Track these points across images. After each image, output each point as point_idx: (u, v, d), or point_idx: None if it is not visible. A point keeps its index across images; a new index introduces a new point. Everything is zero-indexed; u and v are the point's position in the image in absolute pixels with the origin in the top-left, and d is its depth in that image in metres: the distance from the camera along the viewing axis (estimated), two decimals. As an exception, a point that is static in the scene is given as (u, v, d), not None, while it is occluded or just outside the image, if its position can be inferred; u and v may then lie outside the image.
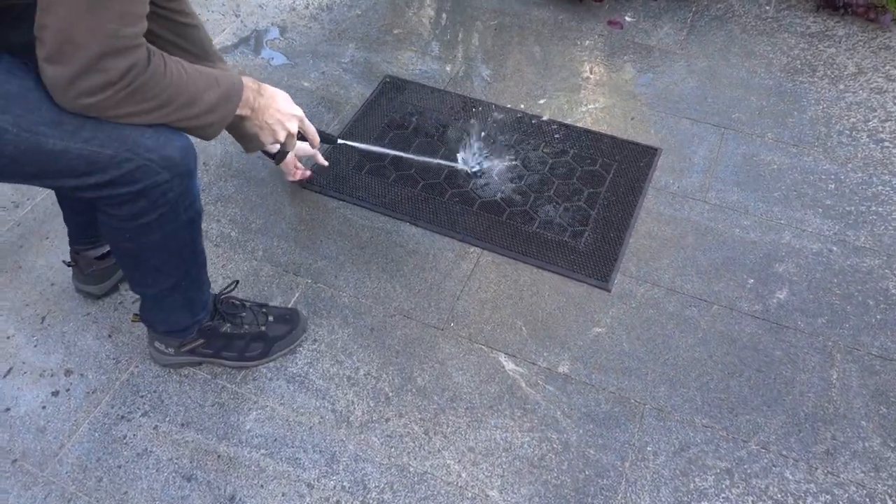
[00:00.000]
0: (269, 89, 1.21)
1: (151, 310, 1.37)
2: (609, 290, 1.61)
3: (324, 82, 2.16)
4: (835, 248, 1.69)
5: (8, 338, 1.55)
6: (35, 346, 1.53)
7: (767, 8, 2.44)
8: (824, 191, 1.82)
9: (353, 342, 1.53)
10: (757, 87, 2.14)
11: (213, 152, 1.94)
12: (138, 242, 1.18)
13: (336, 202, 1.81)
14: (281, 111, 1.23)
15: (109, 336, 1.55)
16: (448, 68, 2.22)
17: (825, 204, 1.79)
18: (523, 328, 1.55)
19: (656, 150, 1.93)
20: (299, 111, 1.29)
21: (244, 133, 1.23)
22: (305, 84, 2.15)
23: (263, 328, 1.46)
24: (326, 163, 1.64)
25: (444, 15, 2.46)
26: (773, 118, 2.03)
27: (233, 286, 1.48)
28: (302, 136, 1.39)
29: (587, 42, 2.32)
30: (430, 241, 1.72)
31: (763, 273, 1.64)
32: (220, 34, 2.35)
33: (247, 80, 1.15)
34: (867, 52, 2.25)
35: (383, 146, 1.85)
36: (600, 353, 1.51)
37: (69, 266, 1.55)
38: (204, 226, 1.72)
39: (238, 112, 1.13)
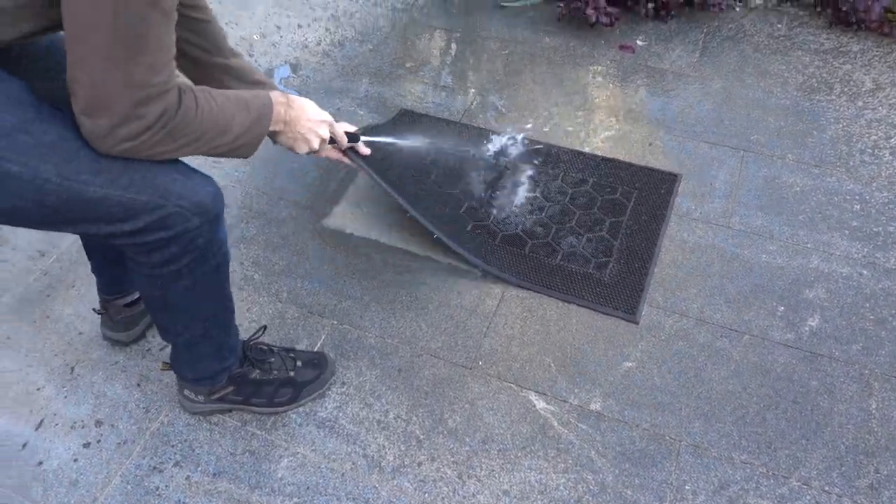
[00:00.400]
0: (297, 100, 1.23)
1: (182, 357, 1.37)
2: (637, 323, 1.60)
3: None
4: (865, 272, 1.67)
5: (38, 389, 1.55)
6: (65, 396, 1.53)
7: (779, 26, 2.43)
8: (850, 212, 1.80)
9: (381, 384, 1.52)
10: (774, 107, 2.13)
11: (233, 194, 1.95)
12: (168, 289, 1.19)
13: (358, 240, 1.81)
14: (312, 119, 1.25)
15: (138, 385, 1.55)
16: (462, 99, 2.23)
17: (852, 225, 1.77)
18: (552, 365, 1.54)
19: (676, 175, 1.92)
20: (328, 115, 1.31)
21: (279, 144, 1.26)
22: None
23: (292, 373, 1.46)
24: (368, 151, 1.56)
25: (454, 46, 2.47)
26: (793, 138, 2.02)
27: (261, 332, 1.47)
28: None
29: (600, 68, 2.32)
30: (454, 278, 1.72)
31: (793, 300, 1.62)
32: (236, 73, 2.37)
33: (276, 96, 1.16)
34: (884, 68, 2.24)
35: (397, 178, 1.78)
36: (632, 389, 1.49)
37: (99, 314, 1.56)
38: (228, 269, 1.73)
39: (271, 129, 1.16)
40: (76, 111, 0.91)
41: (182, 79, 0.98)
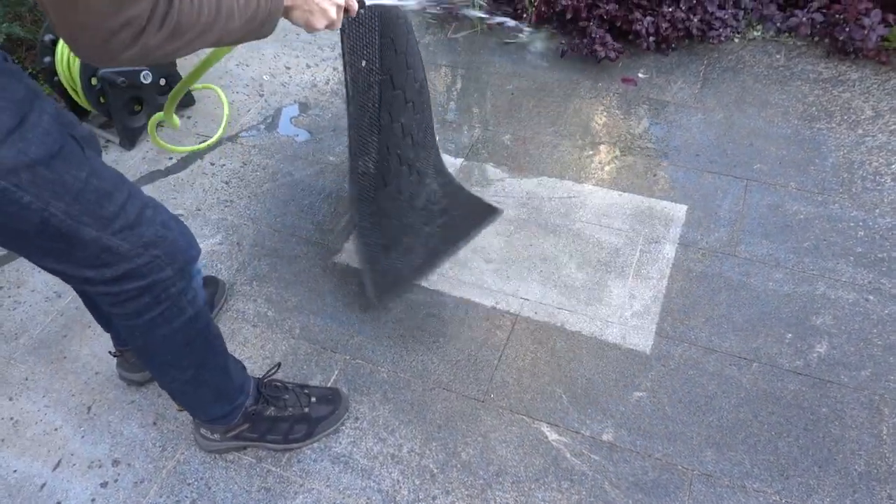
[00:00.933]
0: None
1: (181, 401, 1.39)
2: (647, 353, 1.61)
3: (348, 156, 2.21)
4: (871, 297, 1.68)
5: (56, 429, 1.57)
6: (82, 436, 1.56)
7: (778, 57, 2.48)
8: (854, 238, 1.82)
9: (394, 418, 1.54)
10: (775, 136, 2.16)
11: (246, 232, 1.99)
12: (147, 339, 1.21)
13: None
14: None
15: (154, 423, 1.57)
16: (468, 135, 2.27)
17: (856, 252, 1.79)
18: (563, 396, 1.55)
19: (679, 208, 1.95)
20: None
21: (294, 22, 1.13)
22: (331, 158, 2.20)
23: (307, 409, 1.48)
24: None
25: (459, 81, 2.53)
26: (795, 167, 2.05)
27: (275, 369, 1.50)
28: None
29: (603, 100, 2.37)
30: (463, 310, 1.74)
31: (801, 327, 1.63)
32: (246, 114, 2.43)
33: None
34: (882, 95, 2.27)
35: None
36: (643, 418, 1.50)
37: (115, 356, 1.58)
38: (240, 306, 1.77)
39: (285, 3, 1.05)
40: (62, 38, 0.81)
41: None
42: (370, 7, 1.35)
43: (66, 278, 1.11)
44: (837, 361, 1.56)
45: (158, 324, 1.17)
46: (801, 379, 1.53)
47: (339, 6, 1.15)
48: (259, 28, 1.00)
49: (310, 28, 1.13)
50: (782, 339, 1.61)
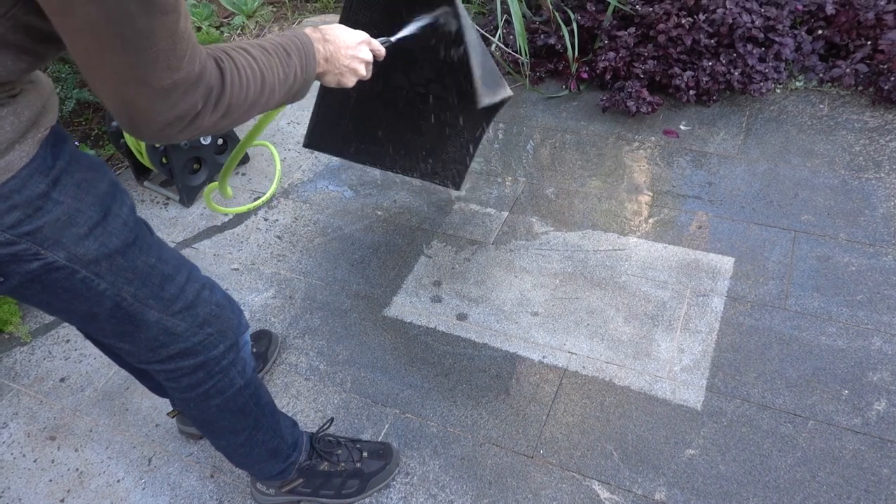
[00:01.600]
0: (330, 31, 1.15)
1: (238, 463, 1.43)
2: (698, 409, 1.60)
3: (396, 210, 2.28)
4: (930, 353, 1.64)
5: (118, 481, 1.63)
6: (143, 489, 1.61)
7: (821, 106, 2.48)
8: (909, 291, 1.79)
9: (444, 474, 1.55)
10: (822, 186, 2.15)
11: (297, 286, 2.05)
12: (200, 409, 1.26)
13: (417, 329, 1.88)
14: (351, 46, 1.17)
15: (212, 476, 1.61)
16: (511, 188, 2.32)
17: (912, 305, 1.76)
18: (614, 453, 1.54)
19: (727, 261, 1.94)
20: (364, 34, 1.22)
21: (326, 84, 1.18)
22: (379, 213, 2.27)
23: (359, 464, 1.50)
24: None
25: (500, 135, 2.59)
26: (844, 218, 2.03)
27: (328, 424, 1.53)
28: None
29: (645, 153, 2.40)
30: (511, 364, 1.76)
31: (857, 383, 1.60)
32: (297, 170, 2.53)
33: (309, 32, 1.10)
34: (932, 143, 2.25)
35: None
36: (696, 477, 1.48)
37: (172, 417, 1.64)
38: (293, 359, 1.82)
39: (316, 70, 1.11)
40: (123, 129, 0.88)
41: (210, 49, 0.90)
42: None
43: (126, 355, 1.16)
44: (897, 419, 1.52)
45: (211, 395, 1.22)
46: (860, 438, 1.50)
47: (367, 62, 1.21)
48: (294, 96, 1.07)
49: (343, 87, 1.20)
50: (839, 396, 1.59)
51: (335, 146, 1.99)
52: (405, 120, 1.82)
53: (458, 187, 1.85)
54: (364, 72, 1.20)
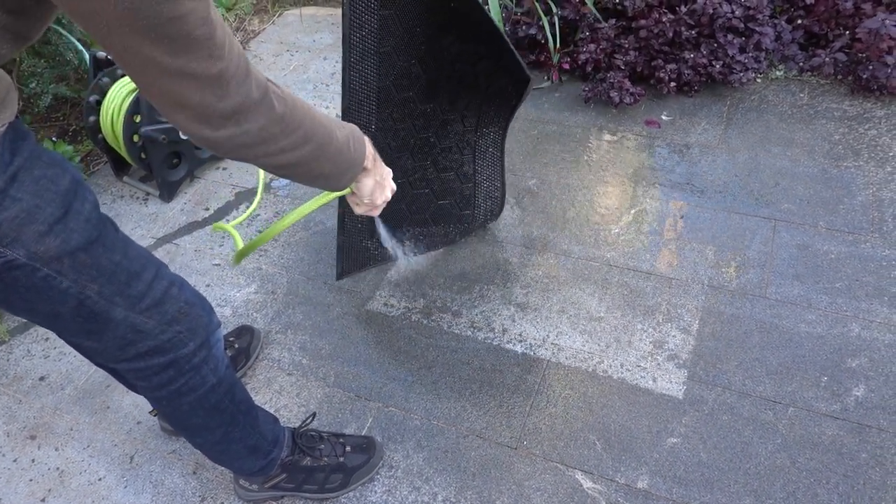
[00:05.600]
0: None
1: (216, 460, 1.42)
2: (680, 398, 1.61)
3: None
4: (907, 339, 1.66)
5: (100, 479, 1.62)
6: (125, 486, 1.59)
7: (801, 95, 2.49)
8: (887, 278, 1.81)
9: (428, 466, 1.55)
10: (802, 175, 2.17)
11: (280, 281, 2.04)
12: (172, 407, 1.24)
13: (401, 322, 1.88)
14: (385, 168, 1.21)
15: (194, 472, 1.60)
16: (496, 181, 2.31)
17: (891, 292, 1.77)
18: (597, 442, 1.55)
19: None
20: (389, 172, 1.25)
21: (361, 187, 1.17)
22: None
23: (342, 459, 1.50)
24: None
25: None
26: (824, 206, 2.05)
27: (310, 419, 1.53)
28: None
29: (627, 143, 2.40)
30: (494, 356, 1.76)
31: (836, 370, 1.62)
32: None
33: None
34: (910, 131, 2.27)
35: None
36: (678, 465, 1.49)
37: (154, 415, 1.63)
38: (276, 354, 1.81)
39: (364, 164, 1.12)
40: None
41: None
42: None
43: (95, 354, 1.15)
44: (876, 405, 1.54)
45: (183, 393, 1.21)
46: (839, 423, 1.52)
47: (393, 189, 1.24)
48: (341, 174, 1.07)
49: (372, 200, 1.20)
50: (818, 383, 1.60)
51: (370, 261, 2.00)
52: (426, 194, 1.86)
53: (499, 213, 1.97)
54: (389, 194, 1.23)
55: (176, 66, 0.75)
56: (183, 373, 1.17)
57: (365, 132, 1.18)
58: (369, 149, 1.12)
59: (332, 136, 1.00)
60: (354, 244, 1.89)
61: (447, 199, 1.94)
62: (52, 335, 1.97)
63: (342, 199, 1.56)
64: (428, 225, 1.97)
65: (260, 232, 2.25)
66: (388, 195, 1.23)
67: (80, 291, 1.00)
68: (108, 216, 1.06)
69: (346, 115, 1.54)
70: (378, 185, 1.18)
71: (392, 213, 1.77)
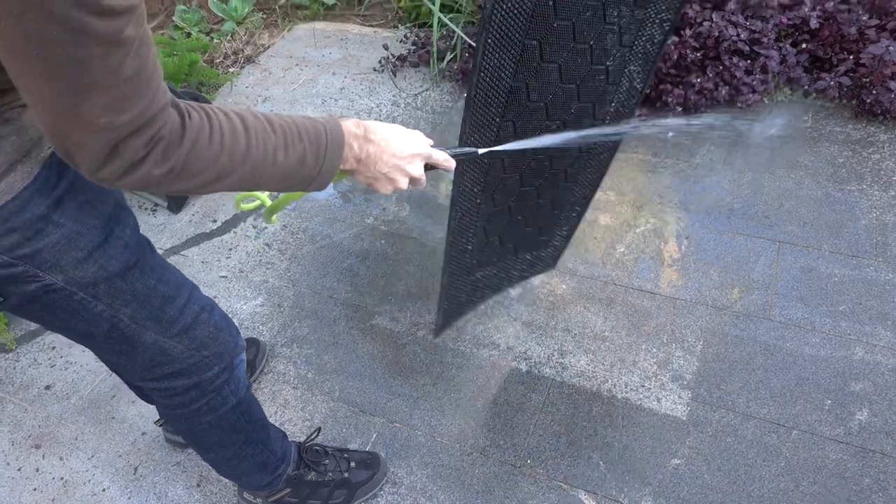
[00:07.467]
0: (381, 131, 1.01)
1: (225, 474, 1.43)
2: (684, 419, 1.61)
3: (386, 218, 2.29)
4: (911, 363, 1.67)
5: (103, 490, 1.62)
6: (129, 497, 1.60)
7: (806, 118, 2.51)
8: (891, 302, 1.82)
9: (432, 483, 1.55)
10: (806, 198, 2.18)
11: (286, 294, 2.05)
12: (190, 425, 1.26)
13: (406, 338, 1.88)
14: (398, 155, 1.02)
15: (198, 485, 1.60)
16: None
17: (894, 316, 1.78)
18: (600, 462, 1.56)
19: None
20: (424, 146, 1.06)
21: (360, 183, 1.07)
22: (368, 221, 2.28)
23: (346, 474, 1.50)
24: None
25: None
26: (828, 229, 2.06)
27: (315, 434, 1.53)
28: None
29: (632, 163, 2.42)
30: (499, 374, 1.77)
31: (839, 393, 1.63)
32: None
33: (348, 126, 0.98)
34: (913, 156, 2.29)
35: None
36: (682, 486, 1.49)
37: (159, 425, 1.64)
38: (281, 367, 1.82)
39: (341, 167, 0.98)
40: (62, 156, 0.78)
41: (191, 103, 0.82)
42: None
43: (122, 373, 1.16)
44: (879, 429, 1.55)
45: (203, 412, 1.22)
46: (843, 447, 1.52)
47: (413, 178, 1.06)
48: (308, 184, 0.95)
49: (376, 191, 1.08)
50: (821, 406, 1.61)
51: (467, 307, 1.87)
52: (520, 221, 1.65)
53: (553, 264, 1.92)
54: (404, 185, 1.05)
55: (64, 103, 0.70)
56: (205, 394, 1.19)
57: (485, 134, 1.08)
58: (352, 151, 0.99)
59: (272, 160, 0.88)
60: (458, 289, 1.69)
61: (532, 228, 1.72)
62: (58, 344, 1.98)
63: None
64: (507, 257, 1.76)
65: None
66: (403, 184, 1.06)
67: (113, 315, 1.01)
68: (146, 238, 1.08)
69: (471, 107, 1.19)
70: (376, 180, 1.04)
71: (497, 233, 1.61)
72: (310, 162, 0.92)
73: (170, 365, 1.12)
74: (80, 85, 0.68)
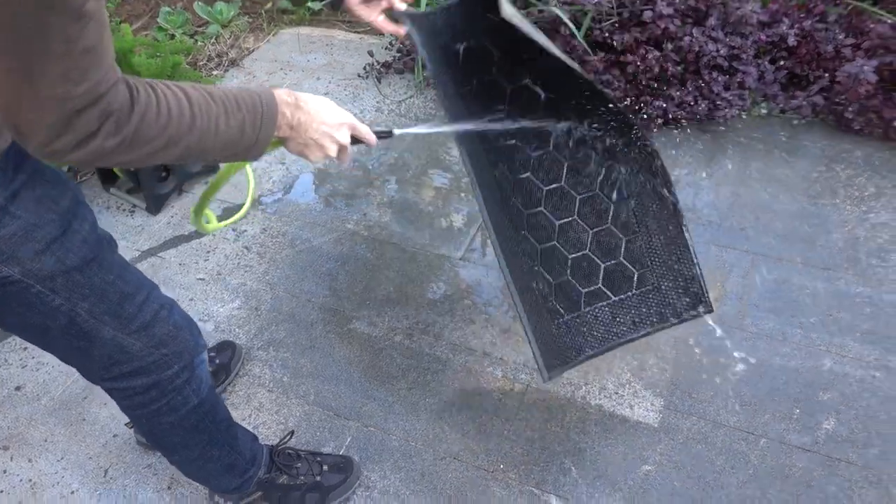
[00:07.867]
0: (311, 101, 1.05)
1: (192, 477, 1.42)
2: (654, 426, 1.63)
3: (366, 223, 2.29)
4: (878, 374, 1.70)
5: (72, 492, 1.60)
6: (98, 500, 1.58)
7: (783, 133, 2.56)
8: (861, 315, 1.85)
9: (405, 487, 1.56)
10: (781, 211, 2.22)
11: (263, 297, 2.05)
12: (152, 425, 1.25)
13: (383, 342, 1.89)
14: (328, 123, 1.07)
15: (169, 488, 1.59)
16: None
17: (863, 328, 1.81)
18: (572, 468, 1.57)
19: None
20: (349, 117, 1.13)
21: (288, 150, 1.10)
22: (349, 226, 2.28)
23: (318, 478, 1.50)
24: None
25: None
26: (802, 242, 2.09)
27: (288, 437, 1.53)
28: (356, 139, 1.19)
29: (612, 174, 2.44)
30: (475, 379, 1.77)
31: (808, 402, 1.65)
32: (267, 181, 2.53)
33: (280, 95, 1.01)
34: (886, 172, 2.33)
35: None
36: (651, 493, 1.51)
37: (130, 427, 1.62)
38: (257, 371, 1.81)
39: (276, 135, 1.02)
40: (13, 137, 0.81)
41: (134, 77, 0.83)
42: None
43: (81, 371, 1.16)
44: (846, 439, 1.57)
45: (164, 412, 1.21)
46: (810, 456, 1.54)
47: (340, 145, 1.11)
48: (246, 152, 0.97)
49: (307, 160, 1.12)
50: (790, 415, 1.63)
51: (581, 350, 1.51)
52: (586, 256, 1.56)
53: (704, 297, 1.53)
54: (333, 152, 1.10)
55: (18, 74, 0.71)
56: (165, 393, 1.18)
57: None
58: (285, 118, 1.02)
59: (215, 129, 0.91)
60: (546, 328, 1.51)
61: (612, 260, 1.59)
62: (29, 345, 1.95)
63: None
64: (606, 297, 1.57)
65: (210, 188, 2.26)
66: (332, 150, 1.10)
67: (70, 309, 1.01)
68: (108, 236, 1.08)
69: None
70: (307, 146, 1.07)
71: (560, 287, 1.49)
72: (248, 130, 0.95)
73: (128, 363, 1.11)
74: (35, 57, 0.69)
